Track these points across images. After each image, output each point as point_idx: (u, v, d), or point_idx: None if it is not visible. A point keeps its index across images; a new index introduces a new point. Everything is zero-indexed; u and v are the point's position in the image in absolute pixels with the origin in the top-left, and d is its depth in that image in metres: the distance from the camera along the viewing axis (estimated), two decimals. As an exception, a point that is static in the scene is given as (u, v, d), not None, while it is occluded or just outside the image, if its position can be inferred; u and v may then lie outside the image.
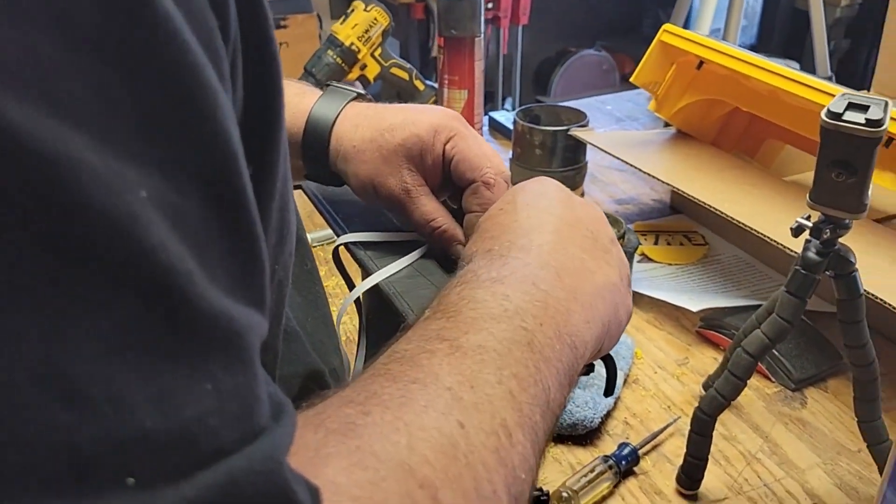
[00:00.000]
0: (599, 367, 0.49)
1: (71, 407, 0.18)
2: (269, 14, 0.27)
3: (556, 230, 0.44)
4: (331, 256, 0.60)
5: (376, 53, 1.16)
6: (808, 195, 0.53)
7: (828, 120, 0.48)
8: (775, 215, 0.77)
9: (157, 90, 0.21)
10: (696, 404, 0.71)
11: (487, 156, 0.57)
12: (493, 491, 0.31)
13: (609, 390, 0.48)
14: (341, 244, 0.59)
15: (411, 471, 0.28)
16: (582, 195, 1.10)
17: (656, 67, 0.89)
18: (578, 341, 0.40)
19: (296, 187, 0.64)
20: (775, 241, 0.71)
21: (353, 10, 1.13)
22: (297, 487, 0.23)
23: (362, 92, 0.60)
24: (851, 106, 0.48)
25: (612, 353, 0.76)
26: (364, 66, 1.16)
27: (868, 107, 0.48)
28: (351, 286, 0.61)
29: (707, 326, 0.80)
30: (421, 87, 1.21)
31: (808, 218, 0.56)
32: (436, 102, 1.20)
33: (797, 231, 0.56)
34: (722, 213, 0.76)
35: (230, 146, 0.23)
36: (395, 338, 0.38)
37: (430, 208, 0.56)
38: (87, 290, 0.19)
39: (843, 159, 0.49)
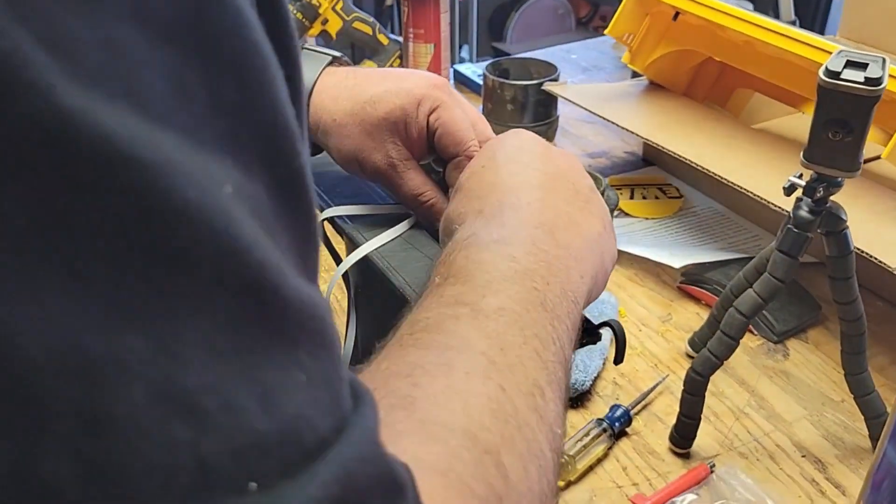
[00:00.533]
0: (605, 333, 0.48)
1: (190, 421, 0.18)
2: None
3: (540, 185, 0.44)
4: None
5: (337, 7, 1.12)
6: (801, 154, 0.52)
7: (826, 79, 0.47)
8: (753, 168, 0.77)
9: (227, 76, 0.20)
10: (682, 362, 0.72)
11: (473, 122, 0.55)
12: (541, 449, 0.32)
13: (619, 357, 0.48)
14: (326, 218, 0.57)
15: (475, 437, 0.29)
16: (554, 149, 1.08)
17: (631, 18, 0.87)
18: (579, 296, 0.41)
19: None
20: (757, 196, 0.70)
21: (312, -37, 1.09)
22: (397, 468, 0.23)
23: (338, 55, 0.57)
24: (850, 64, 0.47)
25: (595, 311, 0.77)
26: (325, 21, 1.12)
27: (867, 64, 0.47)
28: (338, 260, 0.59)
29: (689, 282, 0.80)
30: (385, 41, 1.17)
31: (801, 176, 0.55)
32: (401, 57, 1.16)
33: (789, 190, 0.55)
34: (703, 167, 0.76)
35: (289, 127, 0.22)
36: (408, 308, 0.38)
37: (418, 182, 0.54)
38: (192, 298, 0.19)
39: (841, 118, 0.48)
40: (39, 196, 0.17)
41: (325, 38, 1.13)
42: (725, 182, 0.73)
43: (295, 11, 1.08)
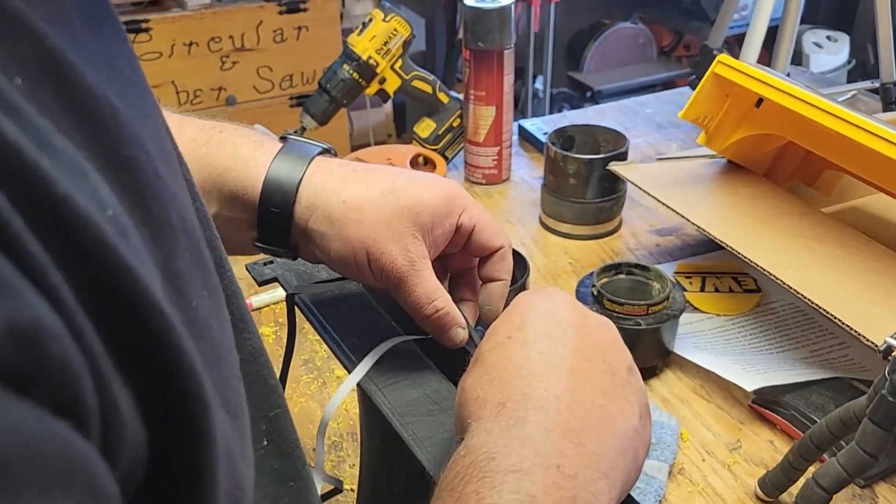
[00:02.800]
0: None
1: None
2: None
3: (572, 370, 0.39)
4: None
5: (396, 66, 1.06)
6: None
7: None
8: (840, 285, 0.68)
9: None
10: (751, 506, 0.64)
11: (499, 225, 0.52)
12: None
13: None
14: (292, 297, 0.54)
15: None
16: (620, 224, 1.01)
17: (709, 101, 0.79)
18: None
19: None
20: (846, 325, 0.62)
21: (370, 21, 1.04)
22: None
23: (328, 147, 0.51)
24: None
25: (654, 437, 0.69)
26: (383, 80, 1.07)
27: None
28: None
29: (762, 403, 0.72)
30: (445, 99, 1.12)
31: (899, 337, 0.47)
32: (461, 117, 1.11)
33: (886, 352, 0.47)
34: (783, 281, 0.67)
35: None
36: None
37: (434, 286, 0.48)
38: None
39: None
40: None
41: (381, 96, 1.09)
42: (811, 305, 0.64)
43: (350, 71, 1.04)
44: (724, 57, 0.76)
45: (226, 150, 0.48)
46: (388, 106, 1.36)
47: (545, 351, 0.39)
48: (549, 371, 0.38)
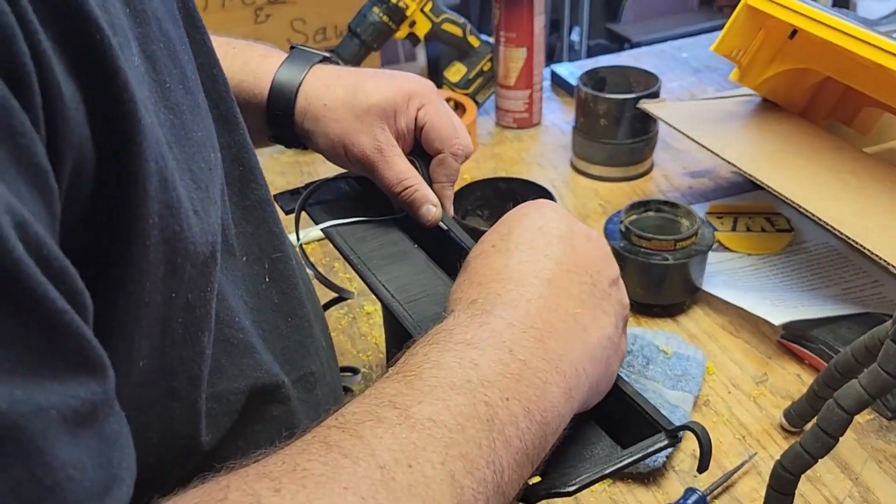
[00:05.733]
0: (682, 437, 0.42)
1: None
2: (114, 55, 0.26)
3: (550, 280, 0.40)
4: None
5: (426, 8, 1.06)
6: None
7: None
8: (873, 216, 0.67)
9: None
10: (775, 437, 0.64)
11: (457, 129, 0.57)
12: None
13: (702, 465, 0.41)
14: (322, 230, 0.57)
15: None
16: (651, 167, 1.00)
17: (741, 34, 0.78)
18: (551, 416, 0.37)
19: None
20: (875, 254, 0.61)
21: (400, -38, 1.03)
22: None
23: (328, 55, 0.59)
24: None
25: (679, 368, 0.69)
26: (413, 23, 1.06)
27: None
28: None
29: (791, 338, 0.71)
30: (476, 43, 1.11)
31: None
32: (492, 60, 1.10)
33: (910, 272, 0.46)
34: (811, 213, 0.67)
35: None
36: (353, 394, 0.36)
37: (403, 168, 0.55)
38: None
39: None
40: None
41: (412, 40, 1.08)
42: (837, 234, 0.64)
43: (380, 14, 1.04)
44: (757, -12, 0.74)
45: (238, 65, 0.56)
46: (423, 59, 1.36)
47: (525, 260, 0.41)
48: (525, 278, 0.40)
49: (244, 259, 0.41)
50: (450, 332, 0.38)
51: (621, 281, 0.44)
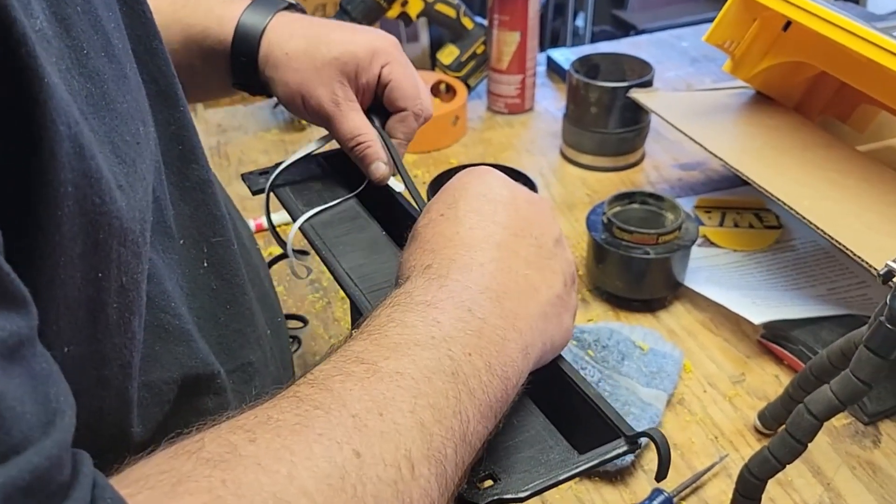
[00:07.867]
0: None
1: None
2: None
3: (500, 244, 0.42)
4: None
5: (420, -12, 1.04)
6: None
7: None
8: (858, 216, 0.65)
9: None
10: (749, 438, 0.63)
11: (420, 90, 0.57)
12: None
13: (660, 474, 0.40)
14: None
15: (284, 503, 0.27)
16: (642, 157, 0.98)
17: (735, 24, 0.76)
18: (511, 371, 0.38)
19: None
20: (856, 255, 0.59)
21: (393, -60, 1.01)
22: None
23: (293, 2, 0.59)
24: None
25: (654, 365, 0.68)
26: (405, 3, 1.04)
27: None
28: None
29: (771, 338, 0.70)
30: (469, 24, 1.09)
31: (902, 262, 0.45)
32: (485, 43, 1.08)
33: (886, 277, 0.45)
34: (796, 211, 0.65)
35: None
36: (323, 355, 0.36)
37: (359, 123, 0.56)
38: None
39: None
40: None
41: (404, 20, 1.06)
42: (820, 234, 0.62)
43: (372, -8, 1.02)
44: (752, -23, 0.72)
45: (202, 11, 0.56)
46: (425, 41, 1.33)
47: (474, 226, 0.42)
48: (476, 243, 0.41)
49: (181, 242, 0.40)
50: (409, 293, 0.38)
51: (564, 239, 0.45)
